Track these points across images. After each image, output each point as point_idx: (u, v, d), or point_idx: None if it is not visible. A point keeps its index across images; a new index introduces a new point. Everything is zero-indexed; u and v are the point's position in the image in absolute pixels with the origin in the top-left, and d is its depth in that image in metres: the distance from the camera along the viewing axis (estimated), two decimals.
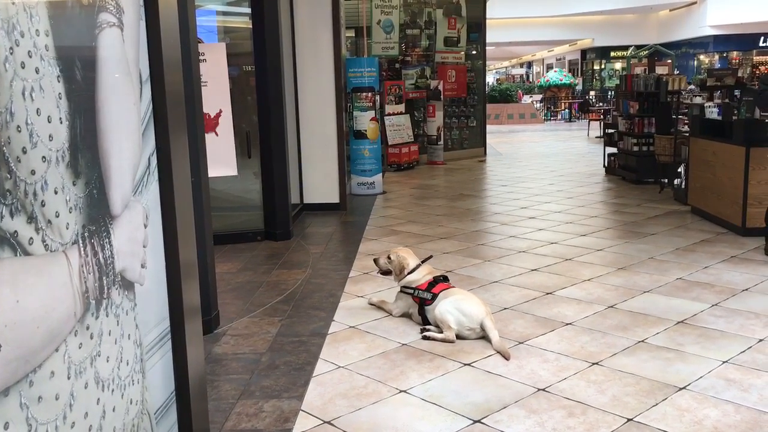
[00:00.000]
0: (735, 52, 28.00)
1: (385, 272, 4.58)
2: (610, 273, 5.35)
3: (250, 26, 6.75)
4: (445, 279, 4.34)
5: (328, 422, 3.08)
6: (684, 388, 3.31)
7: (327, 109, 8.25)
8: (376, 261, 4.64)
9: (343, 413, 3.15)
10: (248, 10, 6.79)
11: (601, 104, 23.70)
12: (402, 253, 4.50)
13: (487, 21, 15.20)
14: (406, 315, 4.40)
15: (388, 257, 4.52)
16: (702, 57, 28.18)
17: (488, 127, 15.77)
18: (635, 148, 10.01)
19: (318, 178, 8.37)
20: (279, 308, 4.72)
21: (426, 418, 3.09)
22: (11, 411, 1.33)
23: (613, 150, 10.99)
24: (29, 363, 1.39)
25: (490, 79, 37.53)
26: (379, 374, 3.56)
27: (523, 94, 29.80)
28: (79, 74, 1.65)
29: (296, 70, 8.12)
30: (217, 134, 5.47)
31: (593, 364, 3.62)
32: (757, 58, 27.26)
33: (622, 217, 7.59)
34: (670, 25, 28.88)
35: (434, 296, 4.15)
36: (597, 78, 32.54)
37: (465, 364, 3.66)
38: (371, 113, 9.74)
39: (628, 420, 3.01)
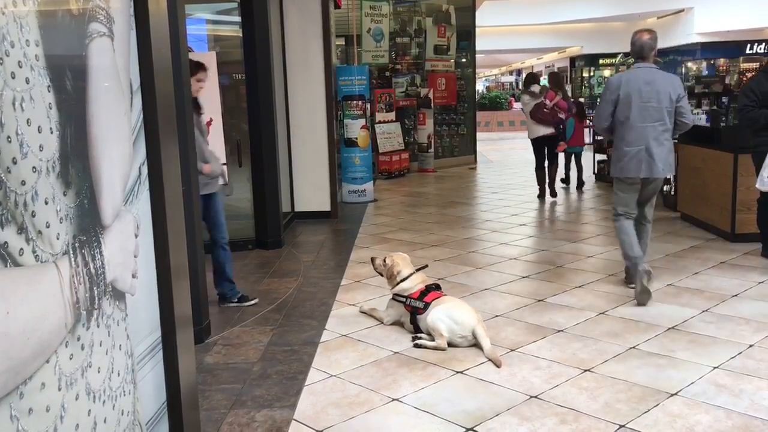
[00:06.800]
0: (722, 59, 28.22)
1: (381, 272, 4.59)
2: (600, 279, 5.37)
3: (241, 35, 6.76)
4: (438, 287, 4.33)
5: (321, 431, 3.07)
6: (675, 394, 3.32)
7: (317, 117, 8.26)
8: (373, 260, 4.63)
9: (336, 422, 3.14)
10: (238, 19, 6.80)
11: (590, 111, 23.80)
12: (397, 259, 4.48)
13: (477, 29, 15.28)
14: (397, 323, 4.39)
15: (384, 260, 4.51)
16: (690, 64, 28.40)
17: (478, 135, 15.82)
18: None
19: (309, 187, 8.37)
20: (270, 317, 4.71)
21: (418, 427, 3.08)
22: (1, 423, 1.32)
23: (603, 157, 11.04)
24: (19, 375, 1.38)
25: (480, 86, 37.68)
26: (372, 383, 3.56)
27: (514, 101, 29.90)
28: (70, 84, 1.65)
29: (286, 79, 8.12)
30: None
31: (585, 370, 3.63)
32: (744, 65, 27.49)
33: (612, 224, 7.56)
34: (657, 32, 29.06)
35: (426, 305, 4.14)
36: (586, 85, 32.70)
37: (457, 372, 3.66)
38: (362, 121, 9.75)
39: (621, 426, 3.02)
